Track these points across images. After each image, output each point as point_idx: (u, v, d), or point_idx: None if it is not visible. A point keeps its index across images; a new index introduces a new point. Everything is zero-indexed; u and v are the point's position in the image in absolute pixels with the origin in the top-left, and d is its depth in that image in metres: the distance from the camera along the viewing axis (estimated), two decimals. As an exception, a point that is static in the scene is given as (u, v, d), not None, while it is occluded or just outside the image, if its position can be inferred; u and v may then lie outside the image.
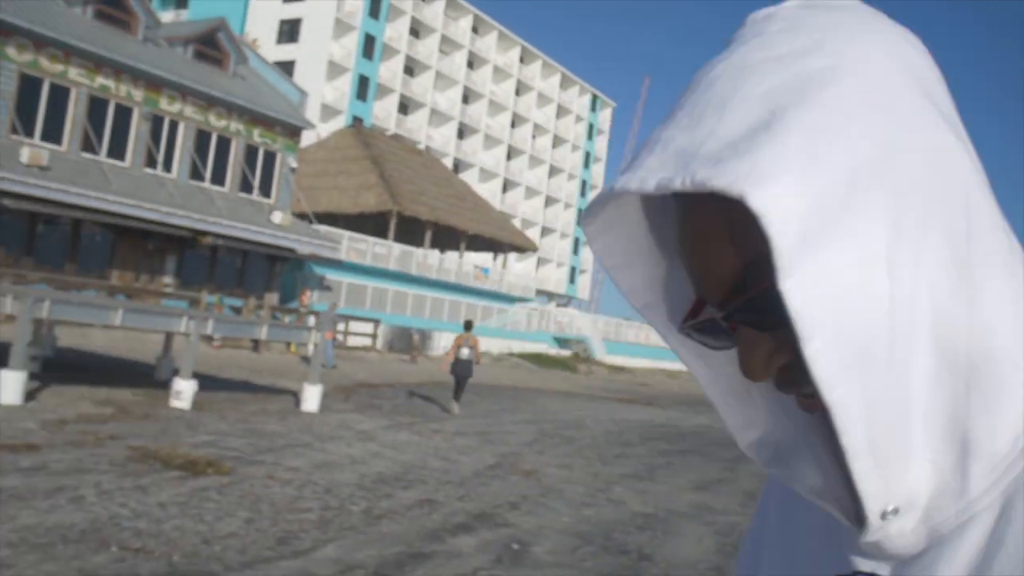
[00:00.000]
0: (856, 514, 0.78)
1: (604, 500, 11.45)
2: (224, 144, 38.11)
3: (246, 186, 38.81)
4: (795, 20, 0.76)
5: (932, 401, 0.71)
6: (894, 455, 0.71)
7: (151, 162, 35.50)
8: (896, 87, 0.72)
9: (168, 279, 35.90)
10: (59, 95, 32.60)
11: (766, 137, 0.67)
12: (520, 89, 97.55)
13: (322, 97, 72.60)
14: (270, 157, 40.09)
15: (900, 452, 0.71)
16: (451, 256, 53.92)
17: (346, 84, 76.59)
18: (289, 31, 75.79)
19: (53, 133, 32.36)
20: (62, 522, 7.28)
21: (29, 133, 31.48)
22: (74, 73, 32.97)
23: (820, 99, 0.69)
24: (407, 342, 41.15)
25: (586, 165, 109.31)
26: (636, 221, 0.85)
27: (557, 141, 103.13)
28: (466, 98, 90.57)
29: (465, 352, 19.55)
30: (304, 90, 44.04)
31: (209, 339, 29.64)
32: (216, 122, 37.74)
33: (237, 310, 33.91)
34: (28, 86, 31.64)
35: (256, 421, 14.59)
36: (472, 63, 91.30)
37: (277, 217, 38.01)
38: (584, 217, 0.81)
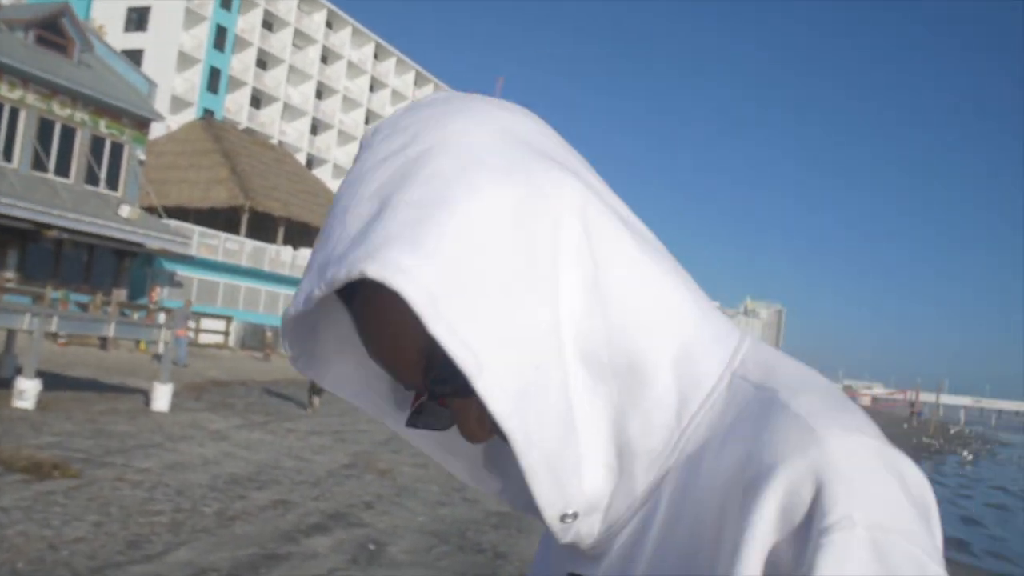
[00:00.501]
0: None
1: (459, 499, 11.54)
2: (69, 134, 36.93)
3: (92, 178, 37.70)
4: (395, 125, 0.87)
5: (592, 412, 0.81)
6: (568, 467, 0.80)
7: (-10, 153, 34.23)
8: (489, 146, 0.81)
9: (9, 274, 34.56)
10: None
11: (377, 223, 0.76)
12: (374, 85, 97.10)
13: (172, 88, 70.88)
14: (117, 148, 39.04)
15: (573, 463, 0.80)
16: (304, 252, 53.34)
17: (196, 76, 75.00)
18: (137, 19, 73.67)
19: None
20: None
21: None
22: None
23: (419, 178, 0.78)
24: (260, 339, 40.60)
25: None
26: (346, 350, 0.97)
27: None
28: (320, 93, 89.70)
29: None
30: (153, 81, 43.01)
31: (54, 336, 28.67)
32: (60, 111, 36.51)
33: (84, 306, 32.94)
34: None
35: (104, 421, 14.24)
36: (326, 58, 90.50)
37: (125, 211, 37.00)
38: (288, 349, 0.91)
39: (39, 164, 35.73)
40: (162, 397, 16.60)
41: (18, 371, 15.87)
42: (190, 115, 70.09)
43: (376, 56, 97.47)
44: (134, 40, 71.90)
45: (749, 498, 0.73)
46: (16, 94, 34.99)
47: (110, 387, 19.46)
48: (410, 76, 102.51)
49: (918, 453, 37.06)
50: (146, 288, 40.21)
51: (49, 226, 33.92)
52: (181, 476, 10.68)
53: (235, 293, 45.20)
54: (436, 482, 12.48)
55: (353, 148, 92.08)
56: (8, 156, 34.72)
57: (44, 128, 36.04)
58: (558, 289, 0.79)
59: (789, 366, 0.85)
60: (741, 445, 0.77)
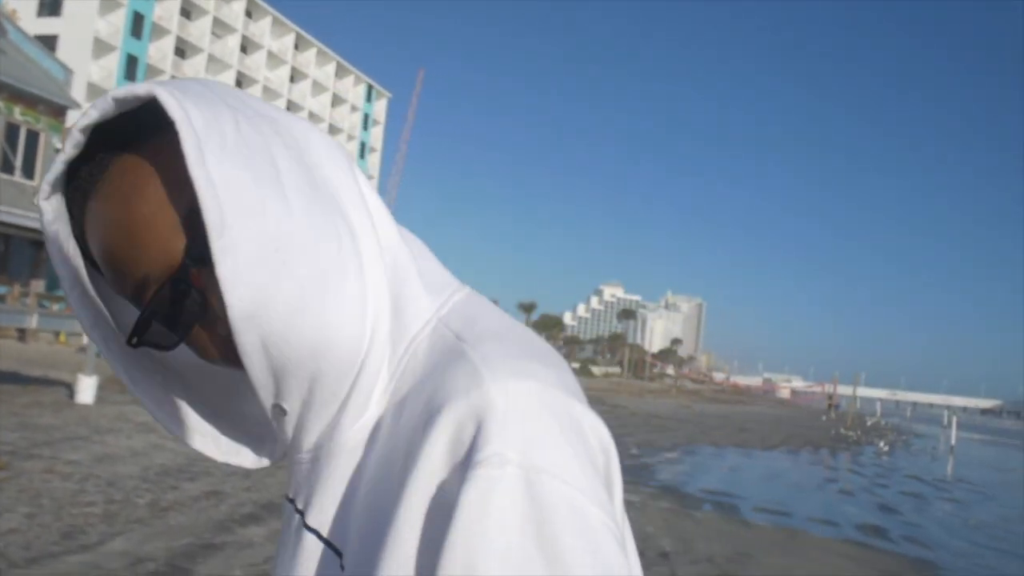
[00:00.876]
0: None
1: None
2: (-17, 123, 36.20)
3: (7, 167, 36.92)
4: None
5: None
6: (285, 367, 0.84)
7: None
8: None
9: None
10: None
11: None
12: (295, 76, 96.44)
13: (88, 76, 69.59)
14: (33, 137, 38.28)
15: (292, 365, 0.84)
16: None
17: (113, 63, 73.79)
18: (51, 4, 72.13)
19: None
20: None
21: None
22: None
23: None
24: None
25: (361, 155, 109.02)
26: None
27: (333, 130, 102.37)
28: (240, 83, 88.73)
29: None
30: (69, 67, 42.23)
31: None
32: (-25, 99, 35.80)
33: (1, 298, 32.28)
34: None
35: (29, 414, 14.05)
36: (246, 48, 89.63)
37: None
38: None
39: (7, 167, 34.97)
40: (87, 389, 16.41)
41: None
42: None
43: (296, 46, 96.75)
44: (48, 25, 70.47)
45: (420, 437, 0.78)
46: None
47: (32, 379, 19.18)
48: (331, 67, 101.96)
49: (836, 444, 37.87)
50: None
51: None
52: (111, 468, 10.63)
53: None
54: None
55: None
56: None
57: (10, 133, 35.25)
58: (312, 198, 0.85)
59: (491, 318, 0.90)
60: (428, 390, 0.82)
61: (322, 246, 0.83)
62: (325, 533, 0.90)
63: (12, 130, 37.19)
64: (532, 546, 0.72)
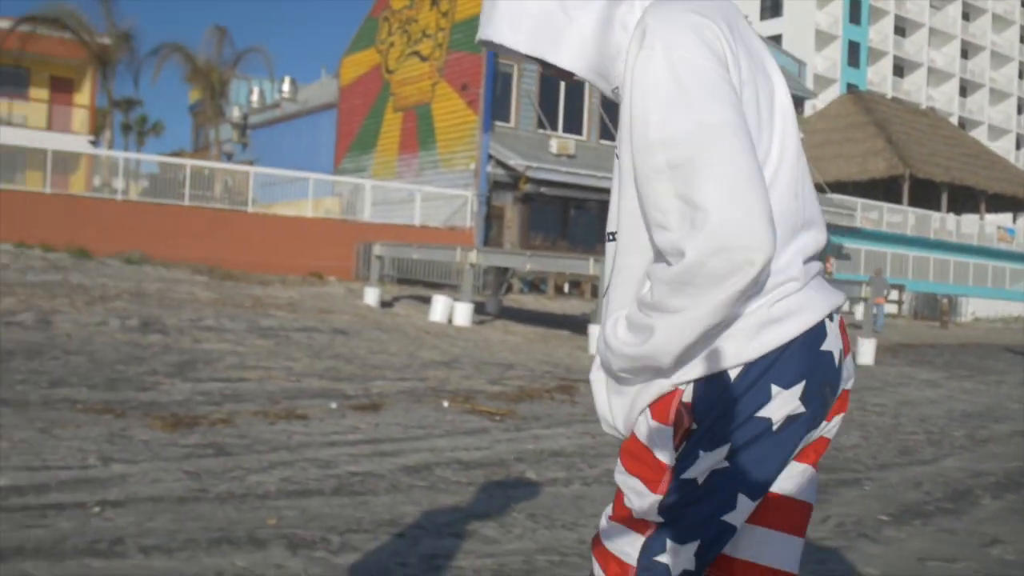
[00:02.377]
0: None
1: None
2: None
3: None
4: None
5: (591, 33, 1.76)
6: (609, 65, 1.76)
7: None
8: None
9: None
10: (574, 89, 34.82)
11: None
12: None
13: (813, 67, 71.49)
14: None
15: (610, 62, 1.75)
16: (969, 219, 51.10)
17: (836, 52, 74.94)
18: (772, 5, 75.28)
19: (573, 124, 34.68)
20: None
21: (553, 126, 33.97)
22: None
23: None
24: (934, 308, 39.66)
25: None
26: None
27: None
28: (965, 52, 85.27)
29: None
30: (802, 60, 43.85)
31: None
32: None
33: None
34: (547, 83, 34.16)
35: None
36: (968, 14, 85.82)
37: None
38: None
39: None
40: (866, 352, 16.95)
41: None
42: (833, 92, 70.23)
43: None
44: (772, 26, 73.65)
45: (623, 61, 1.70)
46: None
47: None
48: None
49: None
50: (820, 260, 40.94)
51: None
52: (916, 410, 10.90)
53: (903, 263, 44.51)
54: None
55: (1008, 107, 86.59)
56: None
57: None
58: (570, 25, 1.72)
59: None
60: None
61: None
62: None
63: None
64: (668, 79, 1.55)
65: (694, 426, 1.62)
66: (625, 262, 1.70)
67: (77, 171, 33.10)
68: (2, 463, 5.15)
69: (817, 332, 1.65)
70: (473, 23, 32.06)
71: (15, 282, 15.52)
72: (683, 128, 1.49)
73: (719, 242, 1.47)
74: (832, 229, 40.58)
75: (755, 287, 1.54)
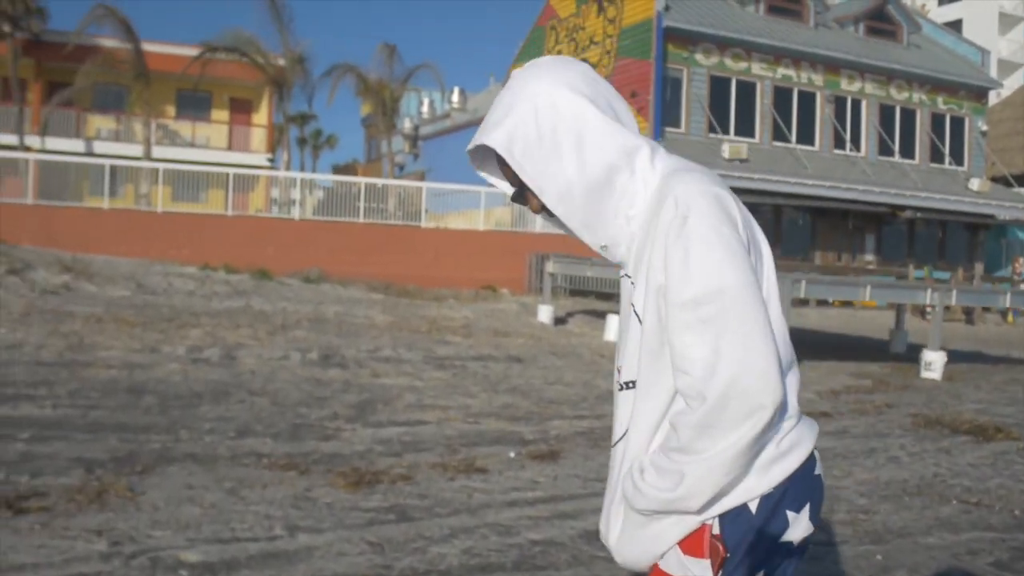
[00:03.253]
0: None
1: None
2: (908, 116, 37.69)
3: (936, 155, 37.93)
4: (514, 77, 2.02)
5: (602, 199, 1.95)
6: (596, 224, 1.96)
7: (839, 143, 36.02)
8: (549, 86, 1.94)
9: (869, 256, 36.08)
10: (746, 91, 34.27)
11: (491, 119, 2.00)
12: None
13: (997, 53, 68.31)
14: (957, 123, 38.87)
15: (600, 223, 1.96)
16: None
17: (1021, 35, 71.51)
18: (951, -11, 72.37)
19: (746, 127, 34.10)
20: (895, 477, 7.63)
21: (725, 130, 33.45)
22: (757, 68, 34.45)
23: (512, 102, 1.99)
24: None
25: None
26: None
27: None
28: None
29: None
30: (985, 48, 41.99)
31: (921, 312, 29.32)
32: (897, 95, 37.41)
33: (944, 283, 33.16)
34: (717, 87, 33.66)
35: (1012, 390, 14.15)
36: None
37: (975, 184, 36.55)
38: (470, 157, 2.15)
39: (885, 149, 36.84)
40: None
41: (912, 346, 16.40)
42: (1019, 78, 67.02)
43: None
44: (950, 11, 70.72)
45: (661, 208, 1.85)
46: (855, 86, 36.53)
47: (997, 359, 19.34)
48: None
49: None
50: (1003, 260, 39.25)
51: (902, 207, 34.76)
52: None
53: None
54: None
55: None
56: (856, 145, 36.32)
57: (885, 114, 37.14)
58: (567, 148, 1.93)
59: (678, 161, 1.97)
60: (661, 196, 1.88)
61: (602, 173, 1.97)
62: (628, 271, 2.00)
63: (936, 120, 38.11)
64: (702, 245, 1.77)
65: (727, 555, 1.83)
66: (644, 407, 1.90)
67: (256, 189, 34.27)
68: (193, 534, 5.27)
69: (812, 460, 1.92)
70: (641, 28, 31.88)
71: (201, 311, 16.08)
72: (713, 289, 1.73)
73: (739, 388, 1.72)
74: (1020, 226, 38.76)
75: (771, 427, 1.77)
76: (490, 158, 2.13)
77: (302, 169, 56.38)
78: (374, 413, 9.15)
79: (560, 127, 1.91)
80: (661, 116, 31.60)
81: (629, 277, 1.98)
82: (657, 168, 1.94)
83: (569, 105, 1.92)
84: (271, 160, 42.18)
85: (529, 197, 2.00)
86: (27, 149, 34.42)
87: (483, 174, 2.19)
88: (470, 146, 2.05)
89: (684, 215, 1.79)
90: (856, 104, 36.63)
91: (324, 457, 7.27)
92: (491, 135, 1.94)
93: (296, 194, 33.85)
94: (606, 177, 1.91)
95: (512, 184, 2.04)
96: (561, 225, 2.03)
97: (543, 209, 2.01)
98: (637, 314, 1.91)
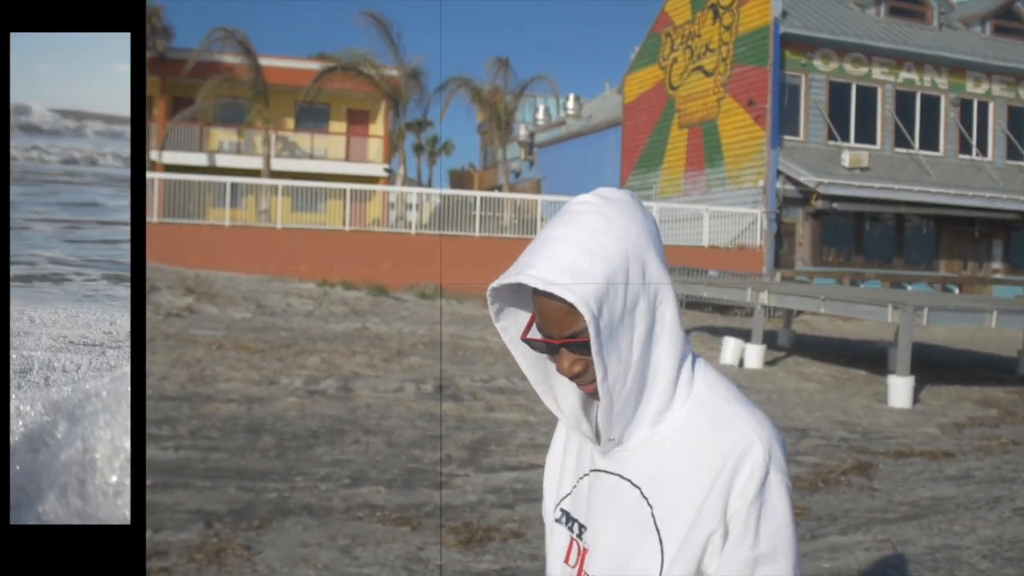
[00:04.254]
0: (596, 439, 1.80)
1: None
2: (1037, 120, 36.47)
3: (1015, 155, 36.63)
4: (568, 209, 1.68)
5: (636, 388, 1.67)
6: (620, 416, 1.67)
7: (965, 148, 35.05)
8: (626, 228, 1.61)
9: (996, 265, 34.99)
10: (866, 96, 33.53)
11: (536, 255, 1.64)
12: None
13: None
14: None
15: (624, 414, 1.67)
16: None
17: None
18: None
19: (866, 134, 33.38)
20: (1020, 536, 7.36)
21: (844, 137, 32.80)
22: (877, 72, 33.70)
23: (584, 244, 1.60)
24: None
25: None
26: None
27: None
28: None
29: None
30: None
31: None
32: (1027, 98, 36.26)
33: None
34: (837, 93, 33.01)
35: None
36: None
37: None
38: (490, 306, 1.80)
39: (1014, 154, 35.73)
40: None
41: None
42: None
43: None
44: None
45: (737, 464, 1.66)
46: (982, 89, 35.49)
47: None
48: None
49: None
50: None
51: (1031, 214, 33.71)
52: None
53: None
54: None
55: None
56: (983, 150, 35.30)
57: (1014, 117, 36.02)
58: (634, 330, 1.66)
59: (719, 380, 1.77)
60: (722, 430, 1.69)
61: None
62: (634, 479, 1.73)
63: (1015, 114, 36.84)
64: (784, 507, 1.68)
65: None
66: None
67: (372, 200, 34.76)
68: (307, 601, 5.37)
69: None
70: (757, 35, 31.44)
71: (318, 335, 16.36)
72: (782, 550, 1.68)
73: None
74: None
75: None
76: (520, 292, 1.74)
77: (419, 176, 57.07)
78: (487, 455, 9.18)
79: (642, 298, 1.63)
80: (779, 124, 31.10)
81: (627, 480, 1.73)
82: (697, 378, 1.74)
83: (655, 273, 1.64)
84: (388, 169, 42.70)
85: (562, 356, 1.67)
86: (153, 164, 35.52)
87: (492, 308, 1.78)
88: (521, 279, 1.59)
89: (778, 480, 1.67)
90: (983, 107, 35.59)
91: (436, 509, 7.33)
92: (576, 291, 1.55)
93: (413, 199, 34.36)
94: (662, 372, 1.69)
95: (544, 344, 1.69)
96: (565, 395, 1.81)
97: (574, 375, 1.67)
98: (658, 530, 1.68)
